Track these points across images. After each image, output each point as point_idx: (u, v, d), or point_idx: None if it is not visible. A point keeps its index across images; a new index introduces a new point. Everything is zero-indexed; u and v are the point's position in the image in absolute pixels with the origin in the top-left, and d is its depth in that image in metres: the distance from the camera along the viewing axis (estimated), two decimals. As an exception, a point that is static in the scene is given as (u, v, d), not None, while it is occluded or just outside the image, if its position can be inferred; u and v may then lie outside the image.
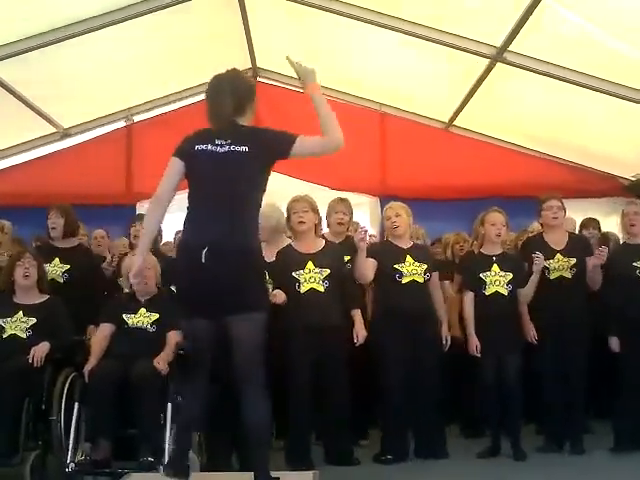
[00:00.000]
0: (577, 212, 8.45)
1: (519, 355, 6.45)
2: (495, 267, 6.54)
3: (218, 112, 4.29)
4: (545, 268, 6.58)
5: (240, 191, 4.14)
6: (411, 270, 6.40)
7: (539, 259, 6.47)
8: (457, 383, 7.27)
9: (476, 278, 6.57)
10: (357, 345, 6.20)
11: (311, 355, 6.05)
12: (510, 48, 8.13)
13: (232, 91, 4.32)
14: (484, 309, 6.51)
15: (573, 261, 6.59)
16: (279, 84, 10.44)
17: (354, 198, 8.33)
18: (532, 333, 6.55)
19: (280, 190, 9.19)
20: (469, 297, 6.62)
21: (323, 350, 6.07)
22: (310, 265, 6.21)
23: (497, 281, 6.51)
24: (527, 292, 6.54)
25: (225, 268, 3.99)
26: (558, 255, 6.62)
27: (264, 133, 4.37)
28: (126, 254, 7.12)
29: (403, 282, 6.38)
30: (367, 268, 6.39)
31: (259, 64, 10.24)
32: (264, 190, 4.26)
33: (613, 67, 8.00)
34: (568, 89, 8.46)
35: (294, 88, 10.24)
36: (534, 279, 6.50)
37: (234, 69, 4.50)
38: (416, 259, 6.45)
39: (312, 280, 6.18)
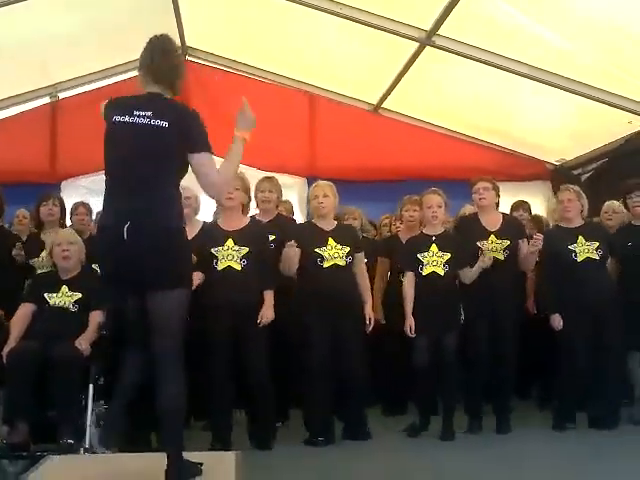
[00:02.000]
0: (504, 195, 8.53)
1: (456, 335, 6.47)
2: (434, 247, 6.55)
3: (154, 71, 4.17)
4: (478, 249, 6.65)
5: (160, 167, 4.01)
6: (333, 254, 6.36)
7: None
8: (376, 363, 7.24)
9: (414, 258, 6.59)
10: (261, 326, 6.05)
11: (227, 334, 5.97)
12: (439, 32, 8.15)
13: (165, 53, 4.23)
14: (421, 289, 6.54)
15: (506, 243, 6.65)
16: (209, 64, 10.33)
17: (283, 179, 8.28)
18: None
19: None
20: (408, 277, 6.64)
21: (239, 329, 5.99)
22: (230, 242, 6.13)
23: (434, 261, 6.52)
24: (471, 275, 6.56)
25: (146, 245, 3.90)
26: (492, 236, 6.67)
27: (190, 119, 4.14)
28: (36, 233, 7.03)
29: (324, 266, 6.34)
30: (293, 264, 6.33)
31: (189, 43, 10.10)
32: (185, 169, 4.12)
33: (541, 54, 8.12)
34: (497, 74, 8.55)
35: (224, 68, 10.18)
36: (481, 264, 6.52)
37: (167, 35, 4.36)
38: (338, 242, 6.41)
39: (230, 258, 6.10)
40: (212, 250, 6.10)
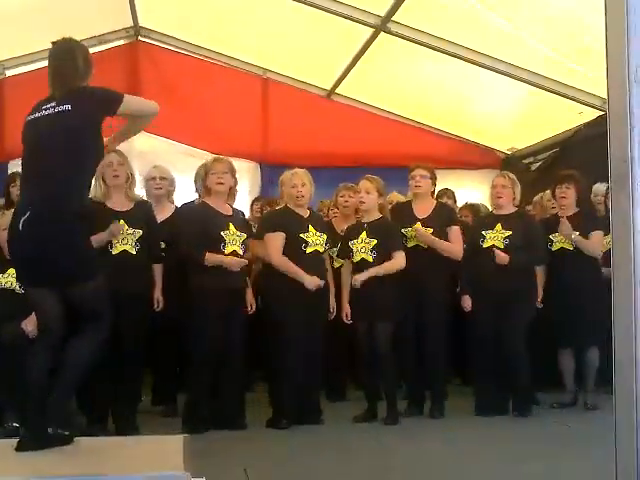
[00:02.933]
0: (455, 183, 8.58)
1: (391, 322, 6.48)
2: (363, 234, 6.56)
3: (58, 78, 4.14)
4: (404, 236, 6.70)
5: (60, 153, 3.95)
6: (315, 240, 6.38)
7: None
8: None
9: (347, 246, 6.61)
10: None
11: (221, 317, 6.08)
12: (394, 19, 8.14)
13: (73, 57, 4.17)
14: (354, 277, 6.56)
15: (430, 231, 6.68)
16: (162, 45, 10.20)
17: (235, 164, 8.23)
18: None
19: (156, 152, 9.17)
20: (345, 265, 6.70)
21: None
22: (232, 227, 6.17)
23: (363, 248, 6.53)
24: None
25: (41, 235, 3.86)
26: (418, 224, 6.70)
27: (89, 91, 4.14)
28: None
29: (307, 252, 6.34)
30: (277, 247, 6.31)
31: (141, 23, 9.95)
32: (95, 150, 4.07)
33: (495, 43, 8.15)
34: (450, 62, 8.58)
35: (177, 50, 10.04)
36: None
37: (70, 38, 4.31)
38: (317, 228, 6.44)
39: (234, 242, 6.14)
40: (221, 233, 6.08)
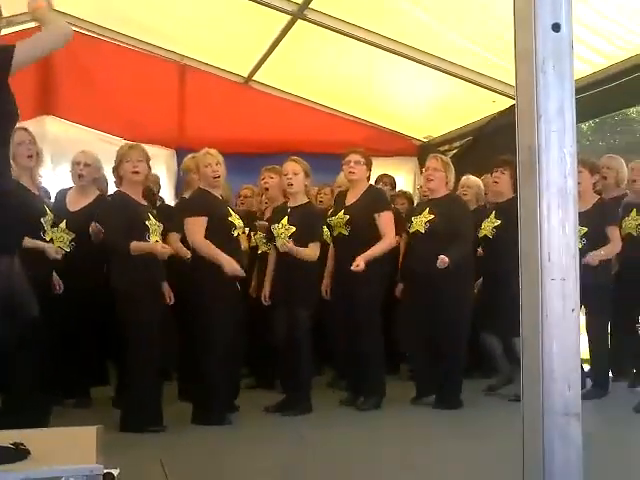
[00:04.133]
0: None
1: (309, 309, 6.45)
2: (284, 220, 6.50)
3: None
4: (329, 226, 6.75)
5: None
6: (239, 223, 6.27)
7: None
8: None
9: (270, 230, 6.59)
10: None
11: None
12: (311, 6, 8.15)
13: None
14: (275, 262, 6.58)
15: (346, 218, 6.60)
16: (77, 29, 9.97)
17: (149, 150, 8.11)
18: None
19: (70, 138, 9.01)
20: (272, 249, 6.69)
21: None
22: (152, 219, 6.04)
23: (282, 234, 6.47)
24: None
25: None
26: (340, 212, 6.68)
27: None
28: None
29: (234, 235, 6.20)
30: (199, 230, 6.09)
31: (56, 6, 9.69)
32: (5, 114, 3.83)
33: (410, 31, 8.23)
34: (367, 50, 8.62)
35: (93, 34, 9.83)
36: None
37: None
38: (234, 211, 6.36)
39: (155, 233, 6.01)
40: (146, 223, 5.91)
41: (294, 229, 6.43)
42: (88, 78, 9.55)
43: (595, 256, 6.44)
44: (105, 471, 3.27)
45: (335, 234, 6.72)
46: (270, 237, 6.65)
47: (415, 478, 4.63)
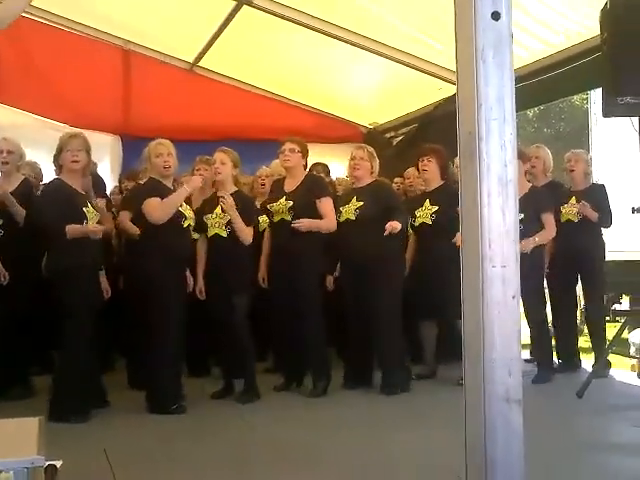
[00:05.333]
0: (317, 157, 8.60)
1: (247, 296, 6.48)
2: (218, 209, 6.49)
3: None
4: (269, 212, 6.73)
5: None
6: (189, 214, 6.26)
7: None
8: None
9: (202, 220, 6.55)
10: None
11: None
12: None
13: None
14: (208, 251, 6.55)
15: (290, 204, 6.61)
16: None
17: (94, 137, 8.04)
18: None
19: (13, 124, 8.86)
20: (201, 240, 6.65)
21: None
22: (89, 207, 6.01)
23: (217, 223, 6.48)
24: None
25: None
26: (282, 198, 6.69)
27: None
28: None
29: (185, 226, 6.21)
30: (155, 207, 6.10)
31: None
32: None
33: (355, 18, 8.22)
34: (312, 37, 8.60)
35: (36, 18, 9.65)
36: None
37: None
38: (187, 202, 6.32)
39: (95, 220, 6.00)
40: (83, 209, 5.89)
41: (229, 217, 6.43)
42: (30, 63, 9.39)
43: (529, 243, 6.51)
44: (47, 463, 3.23)
45: (276, 220, 6.72)
46: (201, 228, 6.59)
47: (358, 463, 4.65)
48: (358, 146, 7.17)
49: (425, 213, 7.01)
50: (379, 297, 6.61)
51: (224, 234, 6.45)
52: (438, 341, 7.17)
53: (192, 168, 7.41)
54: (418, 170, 7.32)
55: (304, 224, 6.48)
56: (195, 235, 6.68)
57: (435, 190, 7.05)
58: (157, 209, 6.10)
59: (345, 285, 6.90)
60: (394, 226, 6.43)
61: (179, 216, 6.15)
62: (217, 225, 6.45)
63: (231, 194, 6.50)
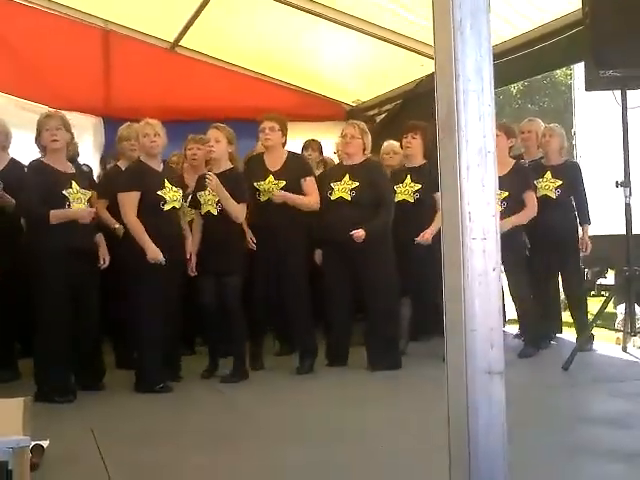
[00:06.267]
0: (300, 135, 8.59)
1: (238, 276, 6.45)
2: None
3: None
4: (256, 190, 6.68)
5: None
6: (172, 196, 6.21)
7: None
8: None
9: (196, 198, 6.53)
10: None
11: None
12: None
13: None
14: (202, 229, 6.51)
15: (282, 183, 6.63)
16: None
17: (76, 118, 8.00)
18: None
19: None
20: (195, 218, 6.63)
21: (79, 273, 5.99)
22: (75, 185, 5.95)
23: (209, 200, 6.45)
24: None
25: None
26: (270, 177, 6.67)
27: None
28: None
29: (165, 209, 6.16)
30: (131, 207, 6.11)
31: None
32: None
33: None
34: (294, 14, 8.57)
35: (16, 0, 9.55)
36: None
37: None
38: (172, 183, 6.26)
39: (79, 201, 5.94)
40: (64, 192, 5.85)
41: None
42: (9, 44, 9.31)
43: (505, 223, 6.50)
44: (34, 443, 3.23)
45: (263, 199, 6.70)
46: (195, 205, 6.58)
47: (348, 439, 4.66)
48: (350, 123, 7.14)
49: (406, 189, 7.00)
50: (374, 278, 6.64)
51: (214, 212, 6.43)
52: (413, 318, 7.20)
53: (184, 147, 7.43)
54: (401, 146, 7.30)
55: (288, 197, 6.54)
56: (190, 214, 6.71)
57: (418, 167, 7.06)
58: (129, 219, 6.12)
59: (330, 265, 6.83)
60: (358, 236, 6.49)
61: (159, 199, 6.12)
62: (210, 202, 6.43)
63: (225, 171, 6.47)
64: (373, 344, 6.73)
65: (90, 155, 8.93)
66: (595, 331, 7.18)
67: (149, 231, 6.05)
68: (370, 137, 6.95)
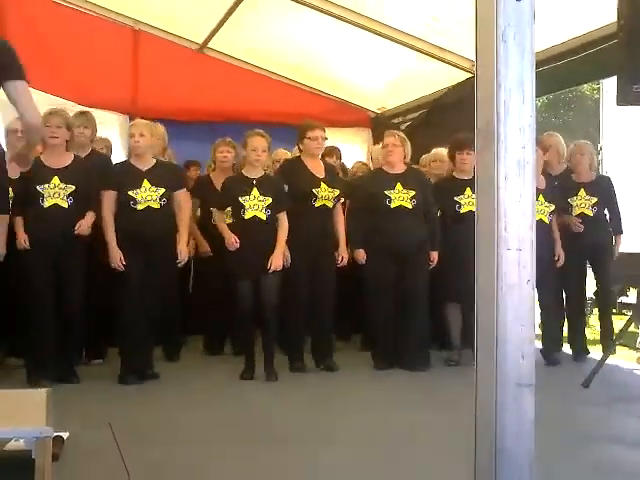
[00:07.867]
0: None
1: (277, 276, 6.49)
2: (255, 191, 6.47)
3: None
4: (313, 196, 6.72)
5: None
6: (147, 196, 6.22)
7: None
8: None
9: (236, 202, 6.51)
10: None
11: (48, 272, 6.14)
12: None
13: None
14: (242, 233, 6.49)
15: (336, 193, 6.81)
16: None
17: (103, 115, 8.05)
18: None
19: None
20: (219, 217, 6.72)
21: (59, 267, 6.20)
22: (56, 180, 6.07)
23: (256, 205, 6.46)
24: None
25: None
26: (324, 185, 6.76)
27: None
28: None
29: (139, 208, 6.20)
30: (107, 207, 6.23)
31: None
32: None
33: (368, 2, 8.17)
34: (323, 20, 8.57)
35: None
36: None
37: None
38: (153, 182, 6.26)
39: (56, 196, 6.07)
40: (37, 188, 6.02)
41: (270, 199, 6.48)
42: (41, 42, 9.35)
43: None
44: (55, 434, 3.24)
45: (318, 205, 6.79)
46: (221, 206, 6.67)
47: (369, 444, 4.64)
48: (389, 132, 7.26)
49: (469, 200, 6.95)
50: (415, 282, 6.84)
51: (264, 217, 6.47)
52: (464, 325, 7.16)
53: (213, 149, 7.48)
54: (451, 158, 7.31)
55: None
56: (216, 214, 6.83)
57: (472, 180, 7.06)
58: (104, 217, 6.23)
59: (382, 271, 6.84)
60: (434, 259, 6.87)
61: (129, 199, 6.18)
62: (256, 207, 6.46)
63: (264, 177, 6.61)
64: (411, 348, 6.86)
65: (117, 152, 8.93)
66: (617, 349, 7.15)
67: (119, 230, 6.20)
68: (410, 145, 7.06)
